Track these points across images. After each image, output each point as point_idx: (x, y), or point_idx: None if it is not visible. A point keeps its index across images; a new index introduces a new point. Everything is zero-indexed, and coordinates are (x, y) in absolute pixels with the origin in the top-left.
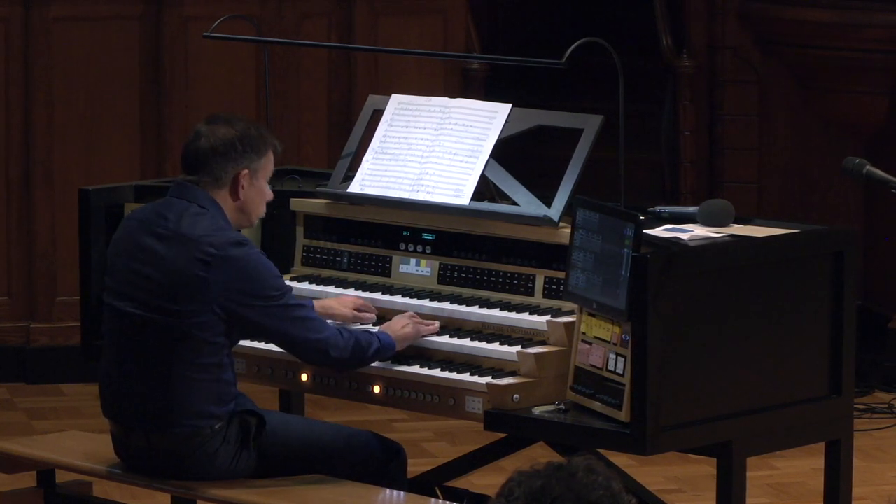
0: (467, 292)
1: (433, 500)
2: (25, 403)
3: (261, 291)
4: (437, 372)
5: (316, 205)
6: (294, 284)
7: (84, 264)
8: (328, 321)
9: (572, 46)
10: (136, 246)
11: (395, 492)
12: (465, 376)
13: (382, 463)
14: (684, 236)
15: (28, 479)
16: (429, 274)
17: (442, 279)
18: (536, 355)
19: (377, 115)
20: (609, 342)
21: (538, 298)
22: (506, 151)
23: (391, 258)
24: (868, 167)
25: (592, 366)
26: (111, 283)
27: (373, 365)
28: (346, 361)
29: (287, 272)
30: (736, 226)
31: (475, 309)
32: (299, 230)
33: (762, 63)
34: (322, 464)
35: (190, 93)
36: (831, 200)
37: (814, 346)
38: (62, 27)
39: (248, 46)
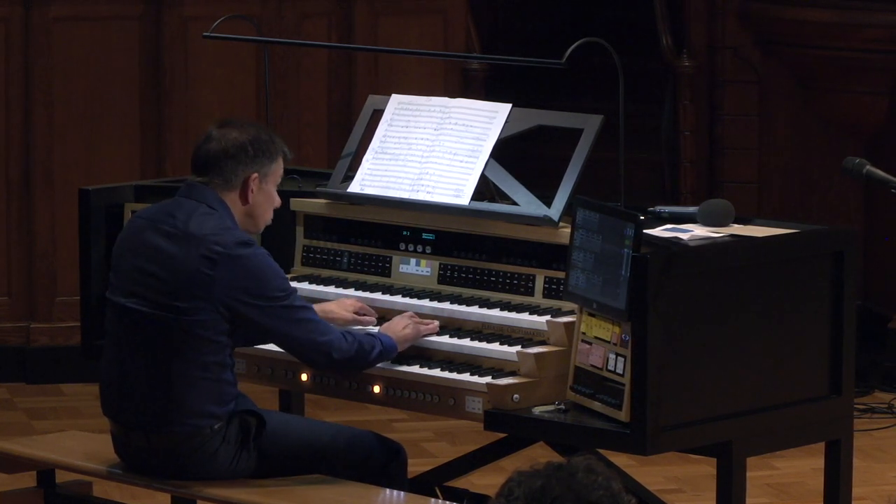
0: (467, 292)
1: (433, 500)
2: (25, 403)
3: (265, 291)
4: (437, 372)
5: (316, 205)
6: (294, 284)
7: (84, 264)
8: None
9: (572, 46)
10: (143, 244)
11: (395, 492)
12: (465, 376)
13: (382, 463)
14: (684, 236)
15: (28, 479)
16: (429, 274)
17: (442, 279)
18: (536, 355)
19: (377, 115)
20: (609, 342)
21: (538, 298)
22: (506, 151)
23: (391, 258)
24: (868, 167)
25: (592, 366)
26: (116, 280)
27: None
28: (348, 364)
29: (287, 272)
30: (736, 226)
31: (475, 309)
32: (299, 230)
33: (762, 63)
34: (322, 464)
35: (190, 93)
36: (831, 200)
37: (814, 346)
38: (62, 27)
39: (248, 46)
